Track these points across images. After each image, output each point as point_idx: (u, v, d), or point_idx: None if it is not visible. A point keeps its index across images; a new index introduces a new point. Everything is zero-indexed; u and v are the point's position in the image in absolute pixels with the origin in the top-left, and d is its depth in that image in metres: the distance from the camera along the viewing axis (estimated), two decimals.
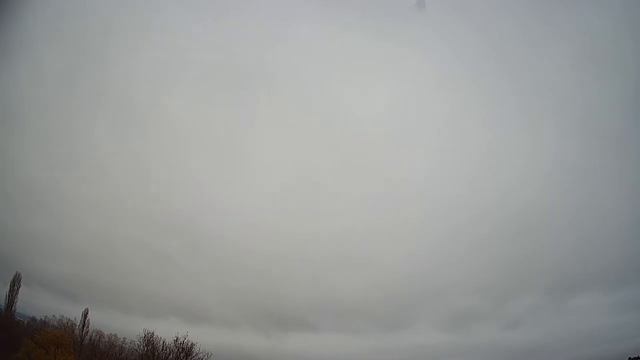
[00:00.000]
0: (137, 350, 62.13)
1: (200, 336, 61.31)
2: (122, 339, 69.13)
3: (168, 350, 60.31)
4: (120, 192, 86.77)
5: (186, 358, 60.18)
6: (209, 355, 61.09)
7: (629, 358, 73.51)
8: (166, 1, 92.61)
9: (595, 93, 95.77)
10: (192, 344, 60.44)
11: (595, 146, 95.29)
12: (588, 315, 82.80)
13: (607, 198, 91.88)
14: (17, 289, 72.97)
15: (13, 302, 72.81)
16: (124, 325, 69.15)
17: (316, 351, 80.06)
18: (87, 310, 69.77)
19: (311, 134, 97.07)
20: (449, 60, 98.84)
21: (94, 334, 69.02)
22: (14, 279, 72.93)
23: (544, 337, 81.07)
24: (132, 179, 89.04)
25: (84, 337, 68.01)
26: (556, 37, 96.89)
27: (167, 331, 61.08)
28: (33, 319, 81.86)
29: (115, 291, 78.15)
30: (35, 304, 77.91)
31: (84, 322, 68.79)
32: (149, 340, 60.54)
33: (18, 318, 77.54)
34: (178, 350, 60.09)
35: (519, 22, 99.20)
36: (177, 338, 60.36)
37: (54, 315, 75.37)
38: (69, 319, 69.15)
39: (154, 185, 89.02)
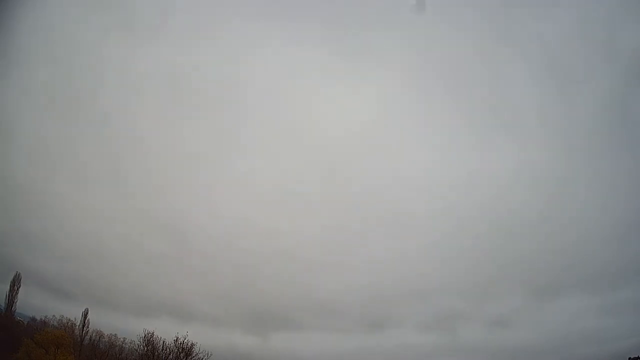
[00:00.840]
0: (137, 350, 62.20)
1: (192, 335, 61.77)
2: (122, 339, 69.31)
3: (168, 350, 60.33)
4: (115, 194, 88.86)
5: (186, 358, 60.19)
6: (209, 355, 61.25)
7: (629, 358, 73.53)
8: (151, 19, 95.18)
9: (573, 105, 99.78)
10: (192, 344, 60.53)
11: (578, 157, 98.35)
12: (575, 317, 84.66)
13: (591, 205, 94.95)
14: (17, 289, 72.90)
15: (13, 302, 72.75)
16: (113, 323, 70.58)
17: (300, 349, 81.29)
18: (87, 310, 69.88)
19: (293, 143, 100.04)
20: (429, 76, 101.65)
21: (94, 334, 69.06)
22: (14, 279, 72.87)
23: (530, 338, 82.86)
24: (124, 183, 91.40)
25: (84, 337, 67.98)
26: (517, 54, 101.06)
27: (158, 330, 62.23)
28: (33, 319, 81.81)
29: (114, 291, 79.59)
30: (35, 304, 78.19)
31: (84, 322, 68.81)
32: (149, 340, 60.55)
33: (18, 318, 77.48)
34: (178, 350, 60.09)
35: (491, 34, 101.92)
36: (177, 338, 60.52)
37: (54, 315, 75.44)
38: (69, 319, 69.32)
39: (145, 188, 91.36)
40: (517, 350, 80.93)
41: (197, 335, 61.81)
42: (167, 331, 61.40)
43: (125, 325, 70.13)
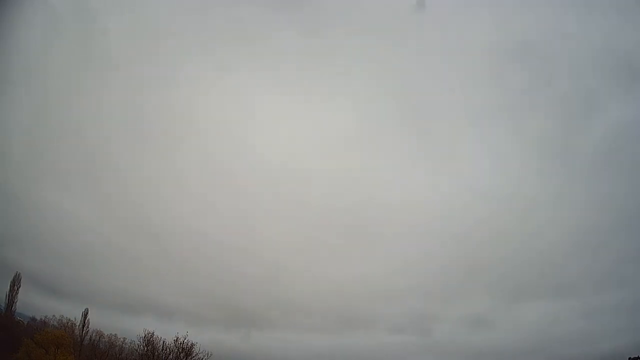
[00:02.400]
0: (137, 350, 62.21)
1: (173, 332, 62.52)
2: (122, 339, 69.24)
3: (168, 350, 60.34)
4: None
5: (186, 358, 60.19)
6: (209, 355, 61.23)
7: (629, 358, 73.57)
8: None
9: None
10: (192, 344, 60.53)
11: (550, 171, 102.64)
12: (552, 320, 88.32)
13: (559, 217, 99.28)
14: (17, 289, 72.99)
15: (13, 302, 72.85)
16: (103, 321, 71.58)
17: (276, 347, 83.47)
18: (87, 310, 69.95)
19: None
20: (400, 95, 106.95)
21: (94, 334, 69.07)
22: (14, 279, 72.95)
23: (505, 339, 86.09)
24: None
25: (84, 337, 68.01)
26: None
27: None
28: (33, 319, 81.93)
29: (104, 290, 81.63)
30: (35, 304, 78.58)
31: (84, 322, 68.84)
32: (149, 340, 60.56)
33: (18, 318, 77.57)
34: (178, 350, 60.09)
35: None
36: (177, 338, 60.50)
37: (54, 315, 75.38)
38: (69, 319, 69.22)
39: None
40: (494, 351, 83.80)
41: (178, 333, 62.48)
42: (178, 333, 61.76)
43: (115, 324, 71.96)
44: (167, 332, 62.27)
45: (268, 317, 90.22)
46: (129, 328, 68.55)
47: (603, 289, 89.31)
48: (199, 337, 62.49)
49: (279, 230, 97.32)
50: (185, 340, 60.35)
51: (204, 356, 60.80)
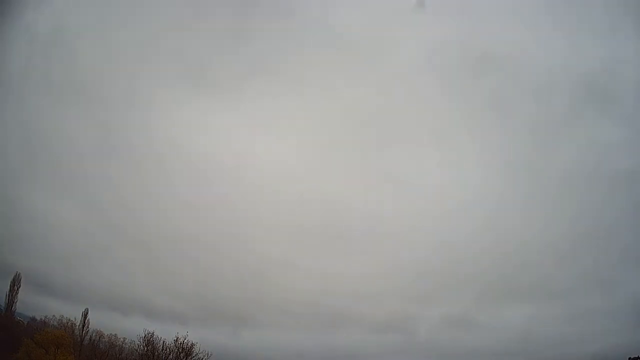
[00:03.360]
0: (137, 350, 62.17)
1: (160, 331, 63.47)
2: (122, 339, 69.12)
3: (168, 350, 60.23)
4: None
5: (186, 358, 60.16)
6: (209, 355, 61.17)
7: (629, 358, 73.57)
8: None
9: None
10: (192, 344, 60.46)
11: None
12: (535, 322, 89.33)
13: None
14: (17, 289, 73.01)
15: (13, 302, 72.87)
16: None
17: (261, 346, 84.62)
18: (87, 310, 69.81)
19: None
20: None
21: (94, 334, 68.97)
22: (14, 279, 72.98)
23: (488, 339, 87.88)
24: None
25: (84, 337, 67.93)
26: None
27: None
28: (33, 319, 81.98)
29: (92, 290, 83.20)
30: (35, 304, 79.16)
31: (84, 322, 68.75)
32: (149, 341, 60.46)
33: (18, 318, 77.64)
34: (178, 350, 59.99)
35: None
36: (177, 338, 60.38)
37: (54, 315, 75.09)
38: (69, 319, 69.05)
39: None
40: (477, 352, 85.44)
41: (165, 332, 63.44)
42: (178, 333, 62.30)
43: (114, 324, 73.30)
44: (156, 331, 63.00)
45: (253, 317, 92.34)
46: (121, 327, 70.71)
47: (585, 293, 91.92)
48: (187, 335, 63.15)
49: (263, 234, 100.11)
50: (185, 340, 60.30)
51: (204, 356, 60.76)
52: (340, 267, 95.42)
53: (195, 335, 62.38)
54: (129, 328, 68.70)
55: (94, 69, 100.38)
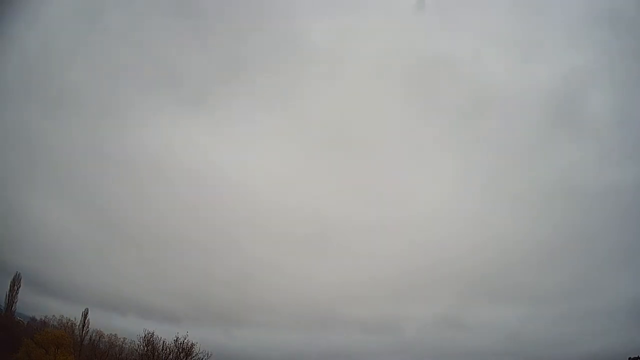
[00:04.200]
0: (137, 350, 62.15)
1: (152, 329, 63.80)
2: (122, 339, 69.13)
3: (168, 350, 60.19)
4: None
5: (186, 358, 60.14)
6: (209, 355, 61.17)
7: (629, 358, 73.62)
8: None
9: None
10: (192, 344, 60.43)
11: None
12: (516, 324, 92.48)
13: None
14: (17, 289, 73.02)
15: (13, 302, 72.87)
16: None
17: (252, 345, 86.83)
18: (87, 310, 69.77)
19: None
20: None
21: (94, 334, 68.92)
22: (14, 279, 73.01)
23: (477, 340, 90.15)
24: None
25: (84, 337, 67.89)
26: None
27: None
28: (33, 319, 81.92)
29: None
30: (35, 304, 79.47)
31: (84, 322, 68.70)
32: (149, 340, 60.41)
33: (18, 318, 77.63)
34: (178, 350, 59.97)
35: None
36: (177, 338, 60.37)
37: (54, 315, 74.93)
38: (69, 319, 68.89)
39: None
40: (466, 352, 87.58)
41: (159, 331, 63.78)
42: (178, 333, 62.67)
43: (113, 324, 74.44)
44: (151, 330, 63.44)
45: (244, 317, 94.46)
46: (119, 326, 71.86)
47: (573, 296, 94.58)
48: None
49: (255, 236, 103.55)
50: (186, 340, 60.30)
51: (203, 356, 60.75)
52: (327, 270, 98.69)
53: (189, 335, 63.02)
54: (126, 328, 70.48)
55: (88, 79, 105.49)
